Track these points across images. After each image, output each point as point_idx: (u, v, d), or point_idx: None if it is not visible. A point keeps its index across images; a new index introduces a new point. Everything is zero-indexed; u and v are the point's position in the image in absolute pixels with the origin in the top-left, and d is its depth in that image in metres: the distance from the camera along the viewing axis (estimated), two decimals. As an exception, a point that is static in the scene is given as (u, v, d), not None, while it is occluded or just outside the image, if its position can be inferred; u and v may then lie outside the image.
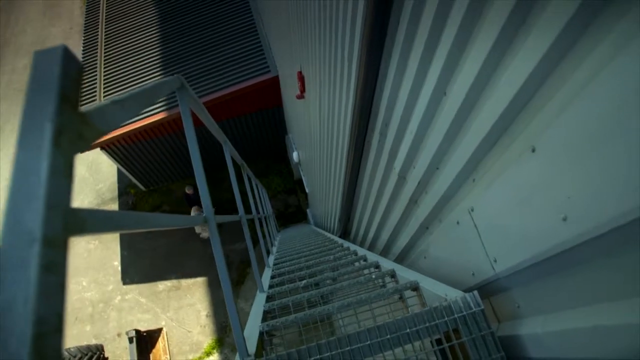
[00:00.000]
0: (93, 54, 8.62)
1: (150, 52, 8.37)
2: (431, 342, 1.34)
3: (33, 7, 14.04)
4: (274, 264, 3.45)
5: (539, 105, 1.07)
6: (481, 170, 1.46)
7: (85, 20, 9.39)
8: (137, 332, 7.01)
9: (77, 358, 6.60)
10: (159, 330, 7.67)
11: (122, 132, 7.18)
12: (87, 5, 9.74)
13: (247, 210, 3.55)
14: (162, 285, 8.46)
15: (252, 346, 1.43)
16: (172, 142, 8.24)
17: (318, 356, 1.29)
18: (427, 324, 1.31)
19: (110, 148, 7.73)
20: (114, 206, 9.65)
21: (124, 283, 8.60)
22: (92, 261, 8.90)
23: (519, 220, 1.21)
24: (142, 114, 7.20)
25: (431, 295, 1.59)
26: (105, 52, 8.56)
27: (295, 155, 7.29)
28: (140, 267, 8.73)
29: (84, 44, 8.92)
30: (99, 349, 7.14)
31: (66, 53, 0.45)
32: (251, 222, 7.35)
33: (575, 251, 1.00)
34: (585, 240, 0.94)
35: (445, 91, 1.52)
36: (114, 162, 8.22)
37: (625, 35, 0.76)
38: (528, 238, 1.18)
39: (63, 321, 0.36)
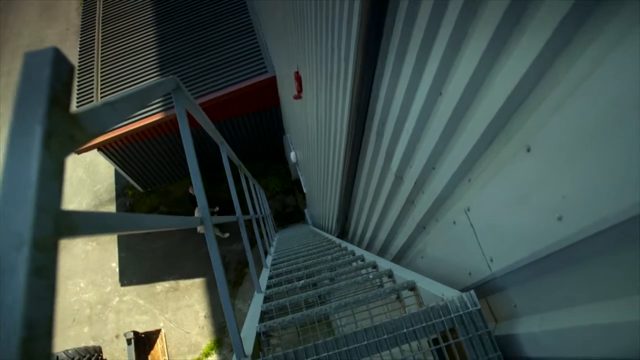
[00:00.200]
0: (90, 55, 8.60)
1: (148, 53, 8.36)
2: (428, 341, 1.34)
3: (29, 8, 13.99)
4: (272, 265, 3.44)
5: (533, 105, 1.07)
6: (477, 170, 1.46)
7: (82, 21, 9.37)
8: (136, 333, 6.99)
9: (75, 360, 6.58)
10: (157, 332, 7.64)
11: (119, 133, 7.16)
12: (83, 6, 9.72)
13: (245, 210, 3.55)
14: (160, 287, 8.44)
15: (249, 347, 1.43)
16: (170, 143, 8.22)
17: (315, 357, 1.29)
18: (424, 324, 1.31)
19: (107, 149, 7.71)
20: (112, 207, 9.62)
21: (122, 284, 8.58)
22: (90, 263, 8.88)
23: (515, 219, 1.22)
24: (140, 114, 7.19)
25: (428, 295, 1.59)
26: (102, 53, 8.54)
27: (292, 155, 7.28)
28: (138, 268, 8.71)
29: (80, 45, 8.89)
30: (97, 350, 7.11)
31: (57, 55, 0.45)
32: (249, 223, 7.35)
33: (571, 250, 1.00)
34: (581, 239, 0.94)
35: (440, 91, 1.52)
36: (112, 163, 8.20)
37: (618, 33, 0.76)
38: (524, 237, 1.18)
39: (53, 325, 0.35)
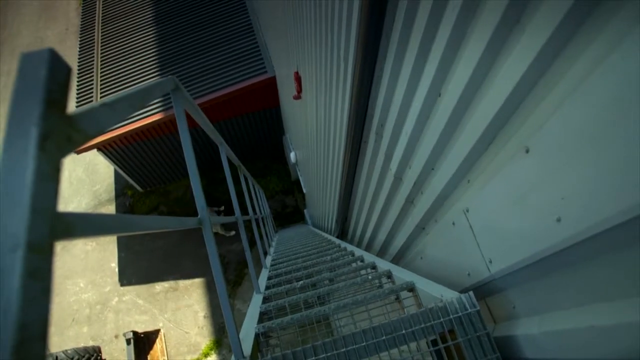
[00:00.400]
0: (89, 55, 8.59)
1: (147, 53, 8.35)
2: (427, 343, 1.34)
3: (29, 8, 13.98)
4: (271, 265, 3.44)
5: (532, 105, 1.07)
6: (476, 171, 1.46)
7: (82, 21, 9.37)
8: (135, 333, 6.99)
9: (74, 360, 6.58)
10: (157, 332, 7.64)
11: (119, 133, 7.16)
12: (83, 6, 9.71)
13: (245, 211, 3.55)
14: (160, 287, 8.44)
15: (247, 348, 1.42)
16: (170, 143, 8.22)
17: (314, 358, 1.28)
18: (423, 325, 1.31)
19: (107, 149, 7.71)
20: (111, 207, 9.62)
21: (122, 284, 8.57)
22: (90, 262, 8.87)
23: (514, 221, 1.21)
24: (139, 114, 7.19)
25: (427, 296, 1.58)
26: (101, 53, 8.54)
27: (292, 155, 7.28)
28: (137, 268, 8.71)
29: (80, 45, 8.89)
30: (96, 350, 7.11)
31: (53, 56, 0.45)
32: (248, 223, 7.35)
33: (570, 251, 1.00)
34: (580, 241, 0.94)
35: (439, 92, 1.52)
36: (111, 163, 8.19)
37: (618, 32, 0.76)
38: (523, 239, 1.18)
39: (47, 327, 0.35)
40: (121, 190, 9.80)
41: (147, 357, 7.16)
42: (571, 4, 0.83)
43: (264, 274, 2.97)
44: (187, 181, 9.15)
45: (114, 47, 8.62)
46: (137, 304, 8.31)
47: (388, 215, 2.70)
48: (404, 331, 1.30)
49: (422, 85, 1.62)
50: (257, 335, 1.56)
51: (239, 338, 1.32)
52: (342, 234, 4.92)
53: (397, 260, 2.75)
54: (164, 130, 7.82)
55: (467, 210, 1.53)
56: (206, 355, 7.62)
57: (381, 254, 3.13)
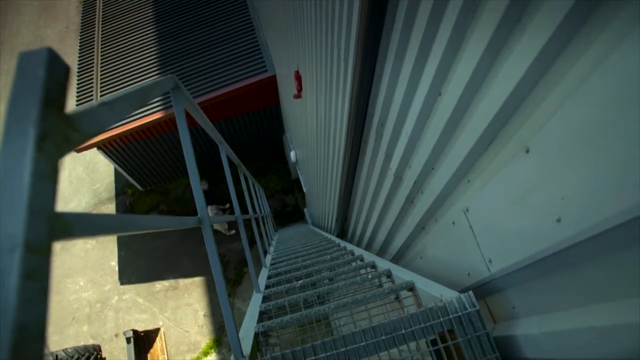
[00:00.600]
0: (89, 53, 8.59)
1: (147, 51, 8.34)
2: (427, 342, 1.34)
3: (29, 7, 13.97)
4: (271, 264, 3.44)
5: (533, 106, 1.07)
6: (476, 171, 1.46)
7: (82, 20, 9.36)
8: (135, 332, 6.99)
9: (74, 358, 6.58)
10: (157, 330, 7.65)
11: (119, 131, 7.15)
12: (83, 5, 9.70)
13: (245, 210, 3.55)
14: (160, 285, 8.44)
15: (247, 347, 1.42)
16: (170, 142, 8.21)
17: (313, 357, 1.28)
18: (423, 325, 1.30)
19: (107, 148, 7.70)
20: (111, 206, 9.61)
21: (122, 283, 8.58)
22: (90, 261, 8.87)
23: (514, 221, 1.21)
24: (139, 113, 7.19)
25: (427, 296, 1.58)
26: (102, 52, 8.53)
27: (292, 154, 7.28)
28: (137, 267, 8.71)
29: (80, 43, 8.88)
30: (97, 349, 7.11)
31: (52, 55, 0.45)
32: (248, 222, 7.34)
33: (570, 251, 1.00)
34: (580, 241, 0.94)
35: (440, 91, 1.52)
36: (111, 162, 8.19)
37: (619, 33, 0.76)
38: (523, 239, 1.18)
39: (45, 328, 0.35)
40: (121, 188, 9.80)
41: (147, 356, 7.16)
42: (572, 4, 0.83)
43: (264, 273, 2.97)
44: (187, 180, 9.13)
45: (114, 45, 8.61)
46: (137, 303, 8.31)
47: (388, 215, 2.70)
48: (403, 331, 1.30)
49: (423, 84, 1.62)
50: (256, 335, 1.56)
51: (238, 337, 1.32)
52: (342, 233, 4.92)
53: (396, 259, 2.75)
54: (164, 128, 7.82)
55: (467, 210, 1.53)
56: (206, 354, 7.63)
57: (381, 253, 3.13)
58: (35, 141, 0.39)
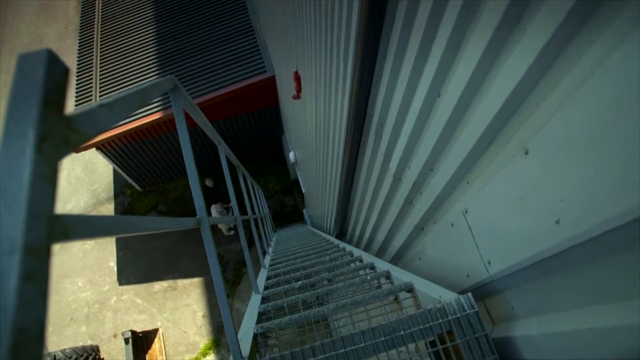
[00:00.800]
0: (89, 53, 8.58)
1: (146, 51, 8.34)
2: (425, 344, 1.34)
3: (28, 7, 13.95)
4: (270, 265, 3.44)
5: (532, 107, 1.07)
6: (475, 172, 1.46)
7: (81, 20, 9.35)
8: (133, 332, 6.98)
9: (72, 359, 6.57)
10: (155, 331, 7.64)
11: (118, 132, 7.15)
12: (82, 5, 9.69)
13: (244, 211, 3.54)
14: (158, 286, 8.43)
15: (246, 348, 1.42)
16: (169, 142, 8.21)
17: (312, 359, 1.28)
18: (421, 326, 1.30)
19: (105, 148, 7.70)
20: (110, 206, 9.60)
21: (120, 284, 8.56)
22: (88, 261, 8.86)
23: (513, 222, 1.21)
24: (138, 113, 7.18)
25: (425, 297, 1.58)
26: (101, 52, 8.52)
27: (291, 155, 7.28)
28: (136, 267, 8.70)
29: (79, 43, 8.87)
30: (95, 349, 7.11)
31: (51, 56, 0.44)
32: (247, 223, 7.34)
33: (569, 253, 1.00)
34: (579, 243, 0.94)
35: (439, 92, 1.52)
36: (110, 162, 8.18)
37: (620, 33, 0.76)
38: (522, 240, 1.18)
39: (44, 330, 0.35)
40: (120, 189, 9.78)
41: (145, 357, 7.15)
42: (572, 4, 0.83)
43: (263, 274, 2.97)
44: (186, 180, 9.13)
45: (113, 45, 8.60)
46: (135, 303, 8.30)
47: (387, 216, 2.70)
48: (402, 332, 1.29)
49: (422, 85, 1.62)
50: (255, 336, 1.56)
51: (237, 338, 1.31)
52: (341, 234, 4.92)
53: (395, 260, 2.74)
54: (163, 129, 7.81)
55: (466, 211, 1.53)
56: (204, 354, 7.62)
57: (380, 254, 3.13)
58: (34, 142, 0.39)
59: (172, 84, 1.25)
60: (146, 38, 8.56)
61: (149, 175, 9.12)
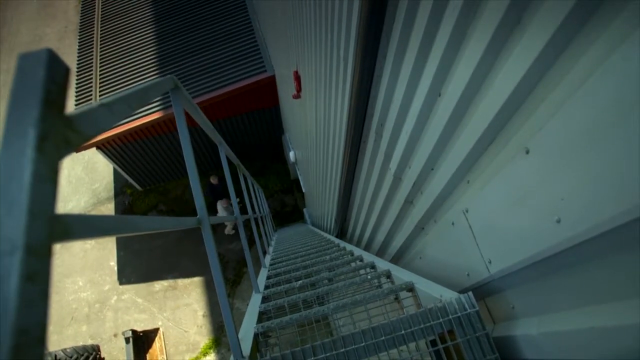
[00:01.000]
0: (88, 53, 8.58)
1: (146, 51, 8.34)
2: (426, 343, 1.34)
3: (28, 6, 13.94)
4: (270, 264, 3.44)
5: (533, 106, 1.07)
6: (476, 172, 1.45)
7: (81, 20, 9.34)
8: (134, 332, 6.99)
9: (73, 358, 6.58)
10: (156, 331, 7.64)
11: (118, 131, 7.15)
12: (82, 4, 9.69)
13: (244, 210, 3.54)
14: (159, 285, 8.44)
15: (246, 348, 1.42)
16: (169, 142, 8.21)
17: (313, 358, 1.28)
18: (422, 325, 1.30)
19: (106, 147, 7.70)
20: (110, 206, 9.60)
21: (121, 283, 8.57)
22: (89, 261, 8.87)
23: (513, 221, 1.21)
24: (138, 113, 7.18)
25: (426, 296, 1.58)
26: (101, 51, 8.52)
27: (292, 155, 7.28)
28: (136, 267, 8.70)
29: (79, 43, 8.87)
30: (95, 349, 7.11)
31: (52, 56, 0.44)
32: (247, 222, 7.34)
33: (570, 252, 1.00)
34: (580, 242, 0.94)
35: (439, 92, 1.52)
36: (110, 161, 8.18)
37: (620, 33, 0.76)
38: (522, 240, 1.18)
39: (45, 331, 0.35)
40: (120, 188, 9.79)
41: (146, 356, 7.16)
42: (572, 4, 0.82)
43: (263, 274, 2.97)
44: (186, 180, 9.15)
45: (113, 45, 8.60)
46: (136, 303, 8.31)
47: (387, 215, 2.70)
48: (403, 332, 1.29)
49: (422, 85, 1.62)
50: (256, 335, 1.56)
51: (238, 338, 1.31)
52: (341, 234, 4.92)
53: (396, 260, 2.75)
54: (163, 129, 7.81)
55: (467, 211, 1.53)
56: (205, 354, 7.63)
57: (380, 253, 3.13)
58: (35, 142, 0.39)
59: (172, 83, 1.25)
60: (146, 38, 8.55)
61: (149, 174, 9.12)
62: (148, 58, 8.23)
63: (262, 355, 1.55)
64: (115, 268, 8.75)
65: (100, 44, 8.65)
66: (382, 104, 2.13)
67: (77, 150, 6.83)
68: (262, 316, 1.89)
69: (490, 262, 1.41)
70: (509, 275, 1.32)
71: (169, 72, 7.74)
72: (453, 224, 1.68)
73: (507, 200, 1.22)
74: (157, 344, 7.45)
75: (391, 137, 2.13)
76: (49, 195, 0.39)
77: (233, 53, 7.86)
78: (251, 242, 7.82)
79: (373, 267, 2.37)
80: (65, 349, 6.66)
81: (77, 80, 8.14)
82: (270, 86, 7.51)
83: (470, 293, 1.34)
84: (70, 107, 7.32)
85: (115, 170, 9.69)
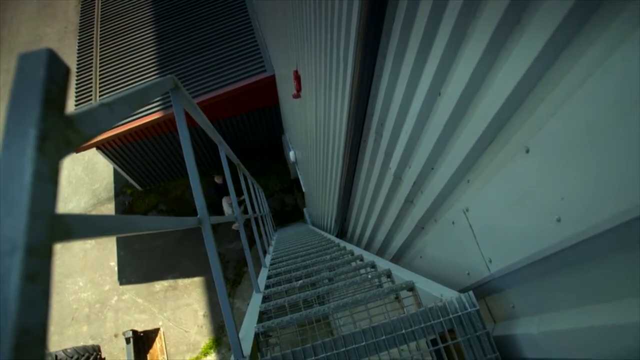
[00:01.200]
0: (88, 53, 8.58)
1: (146, 51, 8.34)
2: (427, 342, 1.34)
3: (28, 6, 13.94)
4: (271, 264, 3.44)
5: (533, 106, 1.07)
6: (476, 171, 1.45)
7: (81, 20, 9.34)
8: (134, 332, 7.00)
9: (73, 359, 6.58)
10: (156, 331, 7.65)
11: (118, 131, 7.15)
12: (82, 5, 9.69)
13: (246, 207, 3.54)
14: (159, 285, 8.44)
15: (247, 347, 1.42)
16: (169, 142, 8.21)
17: (313, 357, 1.28)
18: (423, 325, 1.30)
19: (106, 148, 7.70)
20: (111, 206, 9.61)
21: (121, 283, 8.57)
22: (89, 261, 8.87)
23: (514, 221, 1.21)
24: (138, 113, 7.18)
25: (427, 296, 1.58)
26: (100, 52, 8.52)
27: (292, 154, 7.28)
28: (137, 267, 8.71)
29: (79, 43, 8.87)
30: (96, 349, 7.11)
31: (52, 56, 0.44)
32: (248, 222, 7.34)
33: (570, 251, 1.00)
34: (580, 241, 0.94)
35: (439, 91, 1.52)
36: (110, 162, 8.18)
37: (620, 33, 0.76)
38: (523, 239, 1.18)
39: (47, 331, 0.35)
40: (120, 189, 9.79)
41: (146, 356, 7.17)
42: (572, 4, 0.82)
43: (264, 273, 2.97)
44: (187, 180, 9.14)
45: (113, 45, 8.60)
46: (136, 303, 8.31)
47: (387, 215, 2.70)
48: (403, 331, 1.30)
49: (422, 84, 1.62)
50: (256, 335, 1.56)
51: (238, 337, 1.31)
52: (342, 233, 4.92)
53: (396, 259, 2.75)
54: (164, 129, 7.81)
55: (467, 210, 1.53)
56: (206, 354, 7.63)
57: (380, 253, 3.13)
58: (35, 142, 0.39)
59: (172, 83, 1.25)
60: (146, 37, 8.55)
61: (149, 174, 9.12)
62: (148, 58, 8.23)
63: (262, 354, 1.55)
64: (116, 268, 8.76)
65: (100, 44, 8.65)
66: (382, 104, 2.13)
67: (77, 151, 6.83)
68: (262, 316, 1.89)
69: (490, 261, 1.41)
70: (509, 274, 1.33)
71: (169, 72, 7.74)
72: (453, 223, 1.68)
73: (507, 199, 1.22)
74: (157, 344, 7.45)
75: (391, 137, 2.13)
76: (50, 195, 0.39)
77: (233, 53, 7.85)
78: (251, 242, 7.83)
79: (373, 266, 2.37)
80: (65, 349, 6.67)
81: (77, 80, 8.14)
82: (270, 86, 7.51)
83: (470, 292, 1.34)
84: (70, 107, 7.32)
85: (115, 171, 9.69)
